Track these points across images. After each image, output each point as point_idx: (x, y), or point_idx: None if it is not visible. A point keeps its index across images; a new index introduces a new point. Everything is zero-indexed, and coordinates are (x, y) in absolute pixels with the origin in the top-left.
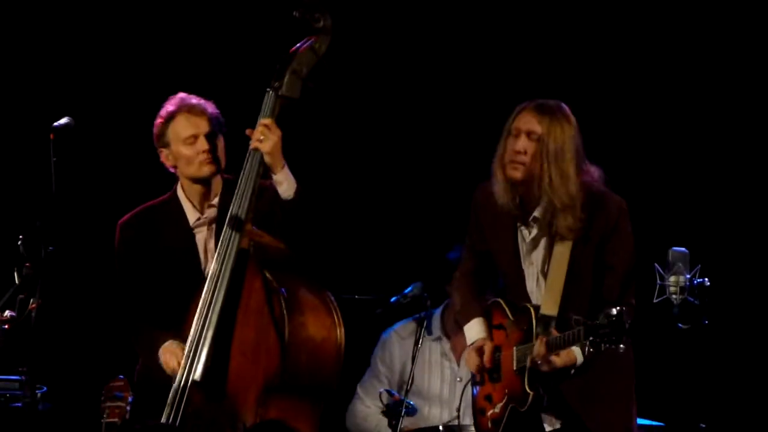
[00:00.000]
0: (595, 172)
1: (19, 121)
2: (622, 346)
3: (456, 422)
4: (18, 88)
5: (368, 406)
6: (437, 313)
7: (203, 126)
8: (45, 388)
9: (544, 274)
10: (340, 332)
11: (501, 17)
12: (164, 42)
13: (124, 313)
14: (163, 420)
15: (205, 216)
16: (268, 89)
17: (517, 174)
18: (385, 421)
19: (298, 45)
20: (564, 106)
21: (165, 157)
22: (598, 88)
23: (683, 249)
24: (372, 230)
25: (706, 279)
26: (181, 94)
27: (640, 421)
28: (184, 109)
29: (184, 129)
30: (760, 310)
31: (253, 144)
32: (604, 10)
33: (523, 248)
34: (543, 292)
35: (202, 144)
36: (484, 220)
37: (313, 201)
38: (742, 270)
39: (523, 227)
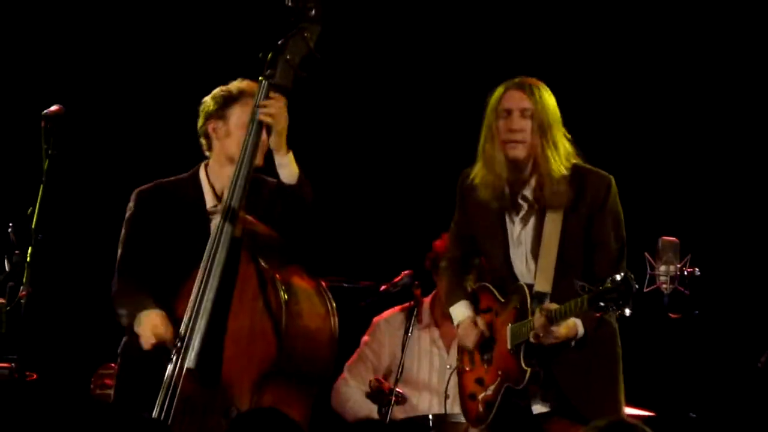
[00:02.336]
0: (575, 148)
1: (10, 108)
2: (628, 310)
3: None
4: (8, 76)
5: (351, 387)
6: (426, 300)
7: None
8: (36, 376)
9: (534, 254)
10: (334, 321)
11: (484, 11)
12: (155, 30)
13: (119, 279)
14: (156, 406)
15: (222, 203)
16: (261, 78)
17: (520, 153)
18: (366, 404)
19: (289, 34)
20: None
21: (213, 128)
22: (588, 78)
23: (673, 238)
24: (362, 219)
25: (697, 269)
26: (250, 82)
27: (630, 411)
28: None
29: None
30: (750, 300)
31: (262, 117)
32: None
33: (511, 231)
34: (535, 270)
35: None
36: (470, 206)
37: (313, 188)
38: (733, 260)
39: (512, 211)
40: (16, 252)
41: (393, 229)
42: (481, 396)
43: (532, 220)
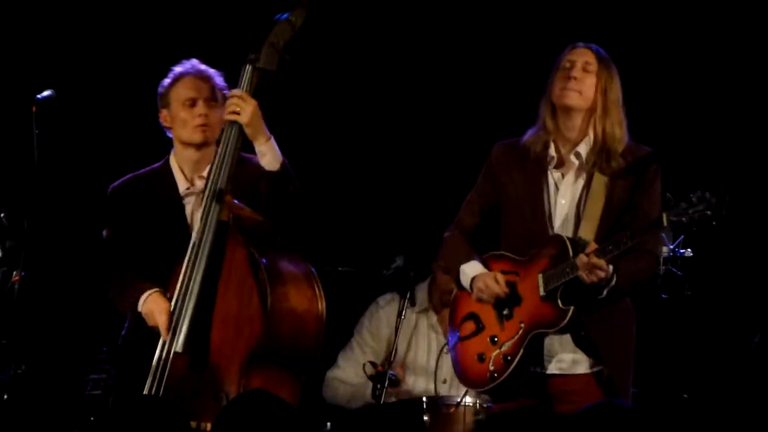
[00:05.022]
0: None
1: (1, 93)
2: (714, 223)
3: (441, 393)
4: None
5: (347, 375)
6: (424, 285)
7: (205, 91)
8: (28, 361)
9: (578, 209)
10: (321, 304)
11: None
12: (143, 15)
13: (107, 270)
14: (145, 391)
15: (195, 186)
16: (245, 62)
17: (572, 101)
18: (359, 393)
19: (274, 18)
20: None
21: (164, 117)
22: None
23: None
24: (355, 203)
25: (689, 250)
26: (194, 60)
27: None
28: (192, 72)
29: (187, 91)
30: (743, 281)
31: (228, 116)
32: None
33: (552, 190)
34: (576, 224)
35: (200, 109)
36: (501, 174)
37: (296, 174)
38: (725, 241)
39: (560, 167)
40: (9, 238)
41: (386, 213)
42: (494, 354)
43: (580, 179)
